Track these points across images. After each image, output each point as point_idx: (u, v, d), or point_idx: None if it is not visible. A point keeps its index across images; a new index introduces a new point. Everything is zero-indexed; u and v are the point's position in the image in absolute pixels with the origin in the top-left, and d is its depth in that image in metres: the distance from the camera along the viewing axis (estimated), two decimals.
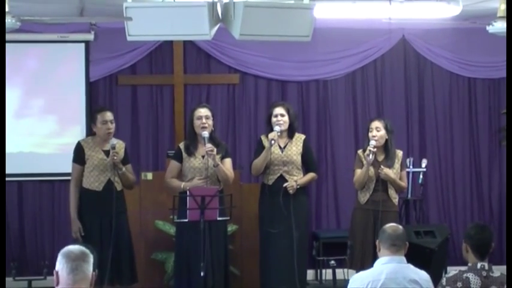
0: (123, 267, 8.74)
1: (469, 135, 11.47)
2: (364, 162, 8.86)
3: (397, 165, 8.97)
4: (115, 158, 8.58)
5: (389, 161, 8.89)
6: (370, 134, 8.86)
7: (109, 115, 8.81)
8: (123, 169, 8.72)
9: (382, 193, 8.92)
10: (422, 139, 11.26)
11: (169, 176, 8.88)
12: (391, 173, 8.87)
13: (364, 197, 8.97)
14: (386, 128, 8.89)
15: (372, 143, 8.75)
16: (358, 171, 8.95)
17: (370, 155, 8.69)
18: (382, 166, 8.80)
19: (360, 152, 9.09)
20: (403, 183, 9.07)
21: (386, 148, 8.91)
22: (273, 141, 8.77)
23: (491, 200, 11.39)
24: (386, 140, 8.89)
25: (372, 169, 8.83)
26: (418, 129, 11.29)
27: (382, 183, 8.91)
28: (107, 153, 8.66)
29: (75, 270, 5.27)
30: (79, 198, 8.84)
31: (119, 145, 8.83)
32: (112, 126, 8.79)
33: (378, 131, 8.84)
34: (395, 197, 9.02)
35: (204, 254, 8.37)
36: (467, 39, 10.85)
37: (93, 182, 8.79)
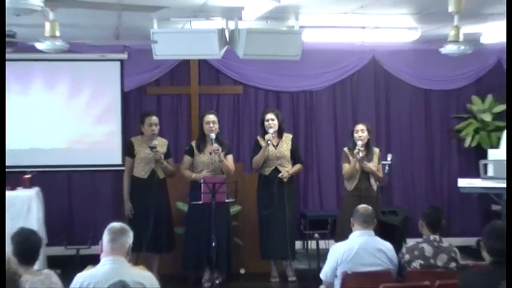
0: (161, 239, 8.92)
1: (426, 135, 11.52)
2: (351, 158, 8.94)
3: (375, 159, 9.03)
4: (156, 155, 8.77)
5: (369, 156, 8.97)
6: (356, 135, 8.94)
7: (154, 119, 9.02)
8: (164, 163, 8.92)
9: (365, 181, 8.98)
10: (388, 138, 11.28)
11: (183, 167, 9.03)
12: (373, 166, 8.96)
13: (351, 185, 9.02)
14: (368, 130, 8.99)
15: (359, 143, 8.84)
16: (347, 166, 9.03)
17: (360, 153, 8.79)
18: (365, 162, 8.87)
19: (345, 149, 9.14)
20: (380, 174, 9.11)
21: (367, 146, 8.97)
22: (269, 142, 8.89)
23: (442, 187, 11.47)
24: (368, 140, 8.96)
25: (357, 163, 8.90)
26: (385, 130, 11.31)
27: (365, 174, 8.97)
28: (152, 148, 8.83)
29: (114, 240, 5.37)
30: (131, 183, 9.09)
31: (161, 143, 9.03)
32: (156, 129, 8.98)
33: (362, 132, 8.93)
34: (374, 184, 9.08)
35: (215, 228, 8.51)
36: (424, 59, 10.85)
37: (140, 171, 8.99)
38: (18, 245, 5.70)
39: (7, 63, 10.26)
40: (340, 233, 8.52)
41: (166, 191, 9.18)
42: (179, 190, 9.27)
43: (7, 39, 8.45)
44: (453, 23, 7.02)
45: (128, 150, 9.22)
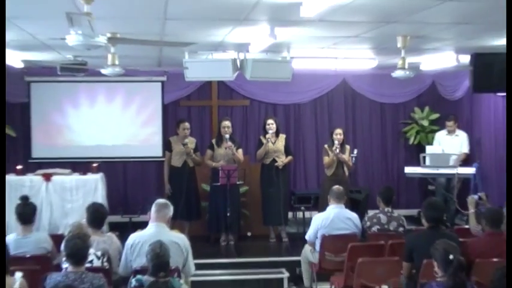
0: (191, 211, 9.00)
1: (381, 136, 11.51)
2: (330, 152, 8.93)
3: (347, 153, 9.03)
4: (187, 150, 8.86)
5: (343, 151, 8.95)
6: (335, 136, 8.94)
7: (187, 125, 9.09)
8: (193, 155, 8.98)
9: (341, 169, 8.99)
10: (355, 137, 11.22)
11: (206, 158, 9.08)
12: (346, 157, 8.97)
13: (330, 172, 9.00)
14: (343, 133, 9.02)
15: (336, 142, 8.86)
16: (327, 158, 9.01)
17: (337, 149, 8.81)
18: (340, 153, 8.88)
19: (325, 146, 9.12)
20: (351, 163, 9.10)
21: (342, 144, 8.95)
22: (269, 139, 8.95)
23: (393, 173, 11.45)
24: (343, 139, 8.96)
25: (334, 157, 8.91)
26: (352, 131, 11.26)
27: (340, 164, 8.98)
28: (184, 145, 8.89)
29: (159, 211, 5.43)
30: (169, 170, 9.12)
31: (191, 141, 9.06)
32: (188, 132, 9.05)
33: (340, 135, 8.92)
34: (346, 172, 9.08)
35: (230, 202, 8.60)
36: (380, 80, 10.78)
37: (176, 161, 9.04)
38: (91, 214, 5.79)
39: (81, 84, 10.44)
40: (321, 207, 8.58)
41: (195, 176, 9.19)
42: (204, 175, 9.33)
43: (80, 66, 8.45)
44: (401, 55, 7.05)
45: (167, 146, 9.25)
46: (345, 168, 9.04)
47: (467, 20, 5.91)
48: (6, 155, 10.34)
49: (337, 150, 8.81)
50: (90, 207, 5.87)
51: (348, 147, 9.15)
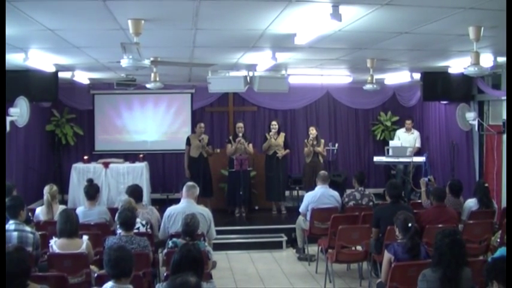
0: (207, 190, 8.80)
1: (356, 133, 11.41)
2: (309, 145, 8.91)
3: (322, 146, 8.99)
4: (202, 144, 8.72)
5: (317, 144, 8.91)
6: (310, 132, 8.95)
7: (202, 125, 8.98)
8: (206, 148, 8.83)
9: (316, 157, 8.97)
10: (336, 134, 11.13)
11: (227, 151, 8.98)
12: (320, 149, 8.94)
13: (308, 160, 9.03)
14: (316, 129, 9.01)
15: (310, 136, 8.87)
16: (306, 149, 9.01)
17: (312, 142, 8.80)
18: (316, 147, 8.84)
19: (306, 140, 9.11)
20: (324, 153, 9.10)
21: (317, 138, 8.93)
22: (272, 136, 8.91)
23: (364, 160, 11.31)
24: (316, 135, 8.92)
25: (311, 148, 8.87)
26: (334, 130, 11.20)
27: (316, 154, 8.93)
28: (199, 140, 8.77)
29: (188, 190, 5.40)
30: (189, 160, 8.96)
31: (205, 137, 8.91)
32: (203, 130, 8.91)
33: (312, 131, 8.95)
34: (321, 160, 9.04)
35: (242, 184, 8.54)
36: (355, 92, 10.69)
37: (194, 153, 8.91)
38: (131, 193, 5.73)
39: (131, 95, 10.41)
40: (304, 186, 8.58)
41: (208, 164, 9.05)
42: (223, 163, 9.29)
43: (131, 82, 8.49)
44: (369, 73, 7.03)
45: (187, 141, 9.09)
46: (320, 157, 9.00)
47: (417, 47, 5.91)
48: (75, 149, 10.45)
49: (311, 143, 8.83)
50: (129, 188, 5.85)
51: (322, 141, 9.11)
